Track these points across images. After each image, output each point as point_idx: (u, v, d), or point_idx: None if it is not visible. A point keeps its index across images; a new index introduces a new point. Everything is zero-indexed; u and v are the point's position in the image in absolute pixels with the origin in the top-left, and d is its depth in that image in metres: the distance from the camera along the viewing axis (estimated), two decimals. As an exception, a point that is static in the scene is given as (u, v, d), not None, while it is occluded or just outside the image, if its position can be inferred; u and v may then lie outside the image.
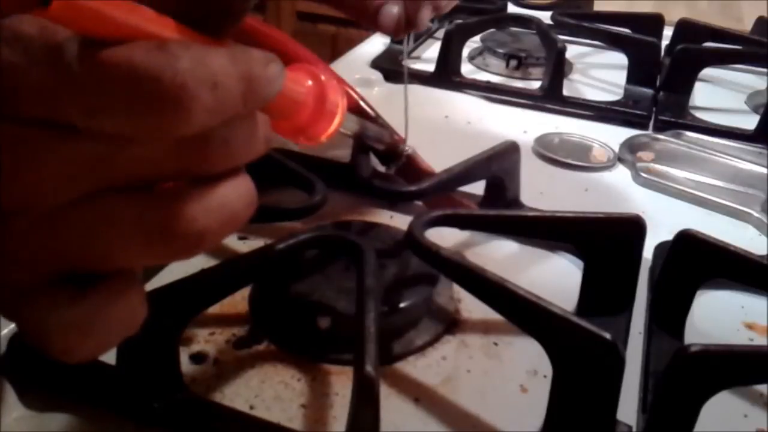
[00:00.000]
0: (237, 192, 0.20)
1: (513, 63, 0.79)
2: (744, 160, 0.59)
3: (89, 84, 0.16)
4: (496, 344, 0.39)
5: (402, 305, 0.37)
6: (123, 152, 0.18)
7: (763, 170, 0.58)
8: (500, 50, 0.80)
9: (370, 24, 0.42)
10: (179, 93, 0.16)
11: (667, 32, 0.84)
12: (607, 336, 0.29)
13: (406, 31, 0.43)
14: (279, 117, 0.24)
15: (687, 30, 0.83)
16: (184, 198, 0.19)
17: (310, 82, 0.25)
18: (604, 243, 0.41)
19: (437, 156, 0.50)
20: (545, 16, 0.84)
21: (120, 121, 0.17)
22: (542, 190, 0.54)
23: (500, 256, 0.47)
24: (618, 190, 0.57)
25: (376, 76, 0.74)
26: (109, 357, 0.32)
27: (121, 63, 0.16)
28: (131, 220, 0.18)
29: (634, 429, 0.33)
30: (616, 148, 0.62)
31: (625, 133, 0.65)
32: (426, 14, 0.43)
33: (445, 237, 0.43)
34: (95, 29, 0.16)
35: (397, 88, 0.73)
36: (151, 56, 0.16)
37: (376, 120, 0.49)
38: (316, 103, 0.25)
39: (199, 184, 0.19)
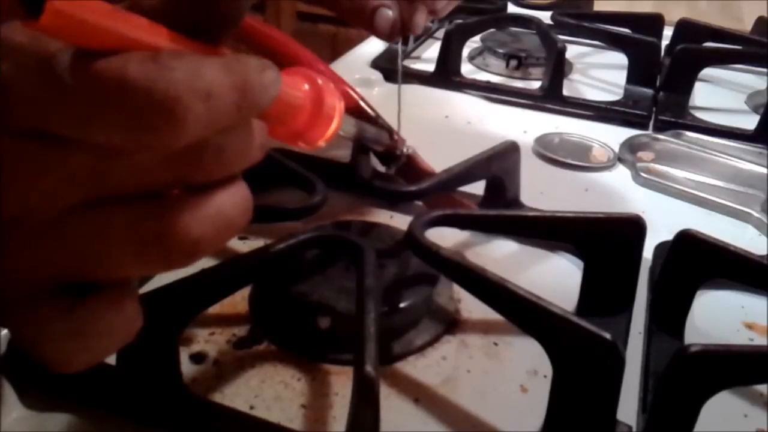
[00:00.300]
0: (233, 200, 0.20)
1: (513, 63, 0.79)
2: (744, 160, 0.59)
3: (81, 96, 0.16)
4: (496, 344, 0.39)
5: (402, 305, 0.37)
6: (116, 163, 0.18)
7: (763, 170, 0.58)
8: (500, 50, 0.80)
9: (365, 26, 0.42)
10: (173, 105, 0.16)
11: (667, 32, 0.84)
12: (607, 336, 0.29)
13: (401, 34, 0.43)
14: (276, 122, 0.23)
15: (687, 30, 0.83)
16: (179, 207, 0.19)
17: (306, 87, 0.24)
18: (604, 243, 0.41)
19: (437, 156, 0.50)
20: (545, 16, 0.84)
21: (113, 133, 0.16)
22: (542, 190, 0.54)
23: (500, 256, 0.47)
24: (618, 190, 0.57)
25: (376, 76, 0.74)
26: (109, 357, 0.32)
27: (114, 75, 0.16)
28: (126, 231, 0.18)
29: (634, 429, 0.33)
30: (616, 148, 0.62)
31: (625, 133, 0.65)
32: (421, 18, 0.43)
33: (445, 237, 0.43)
34: (87, 40, 0.16)
35: (397, 88, 0.73)
36: (144, 68, 0.16)
37: (377, 120, 0.49)
38: (313, 107, 0.24)
39: (194, 192, 0.19)
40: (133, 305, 0.20)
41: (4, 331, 0.35)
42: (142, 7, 0.18)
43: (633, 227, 0.40)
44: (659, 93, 0.73)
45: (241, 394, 0.34)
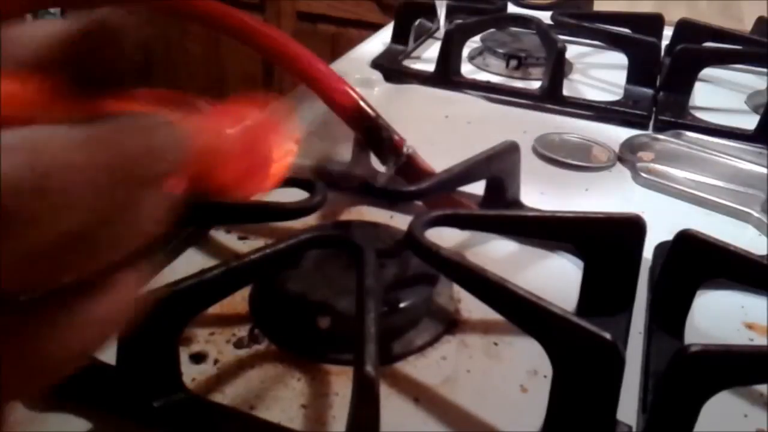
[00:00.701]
0: (112, 301, 0.16)
1: (513, 63, 0.79)
2: (744, 160, 0.59)
3: None
4: (496, 344, 0.39)
5: (402, 305, 0.37)
6: None
7: (763, 170, 0.58)
8: (500, 50, 0.80)
9: None
10: (27, 204, 0.13)
11: (667, 32, 0.84)
12: (607, 336, 0.29)
13: None
14: (200, 178, 0.20)
15: (687, 30, 0.83)
16: (39, 326, 0.15)
17: (234, 130, 0.21)
18: (604, 243, 0.41)
19: (437, 156, 0.50)
20: (545, 16, 0.84)
21: None
22: (542, 190, 0.54)
23: (500, 256, 0.47)
24: (618, 190, 0.57)
25: (376, 76, 0.74)
26: (109, 357, 0.32)
27: None
28: None
29: (634, 429, 0.33)
30: (616, 148, 0.62)
31: (625, 133, 0.65)
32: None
33: (445, 237, 0.43)
34: None
35: (397, 88, 0.73)
36: None
37: (377, 120, 0.49)
38: (247, 152, 0.21)
39: (62, 299, 0.16)
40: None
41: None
42: (15, 59, 0.15)
43: (633, 227, 0.40)
44: (659, 93, 0.73)
45: (241, 394, 0.34)
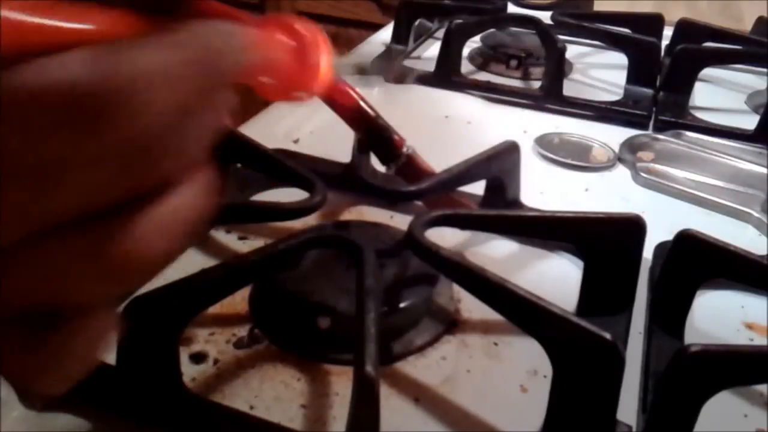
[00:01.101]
0: (194, 195, 0.18)
1: (513, 63, 0.79)
2: (744, 160, 0.59)
3: (23, 114, 0.14)
4: (496, 344, 0.39)
5: (402, 305, 0.37)
6: (57, 186, 0.15)
7: (763, 170, 0.58)
8: (500, 50, 0.80)
9: None
10: (128, 100, 0.14)
11: (667, 32, 0.84)
12: (607, 336, 0.29)
13: None
14: (258, 81, 0.22)
15: (687, 30, 0.83)
16: (134, 222, 0.17)
17: (285, 38, 0.23)
18: (604, 243, 0.41)
19: (437, 156, 0.50)
20: (545, 16, 0.84)
21: (70, 147, 0.15)
22: (542, 190, 0.54)
23: (500, 256, 0.47)
24: (618, 190, 0.57)
25: (376, 76, 0.74)
26: (109, 357, 0.32)
27: (55, 84, 0.14)
28: (80, 259, 0.16)
29: (634, 429, 0.33)
30: (616, 148, 0.62)
31: (625, 133, 0.65)
32: None
33: (445, 237, 0.43)
34: (13, 44, 0.14)
35: (397, 88, 0.73)
36: (86, 67, 0.14)
37: (376, 120, 0.49)
38: (297, 56, 0.23)
39: (151, 196, 0.17)
40: (102, 326, 0.18)
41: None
42: None
43: (633, 227, 0.40)
44: (659, 93, 0.73)
45: (241, 394, 0.34)
